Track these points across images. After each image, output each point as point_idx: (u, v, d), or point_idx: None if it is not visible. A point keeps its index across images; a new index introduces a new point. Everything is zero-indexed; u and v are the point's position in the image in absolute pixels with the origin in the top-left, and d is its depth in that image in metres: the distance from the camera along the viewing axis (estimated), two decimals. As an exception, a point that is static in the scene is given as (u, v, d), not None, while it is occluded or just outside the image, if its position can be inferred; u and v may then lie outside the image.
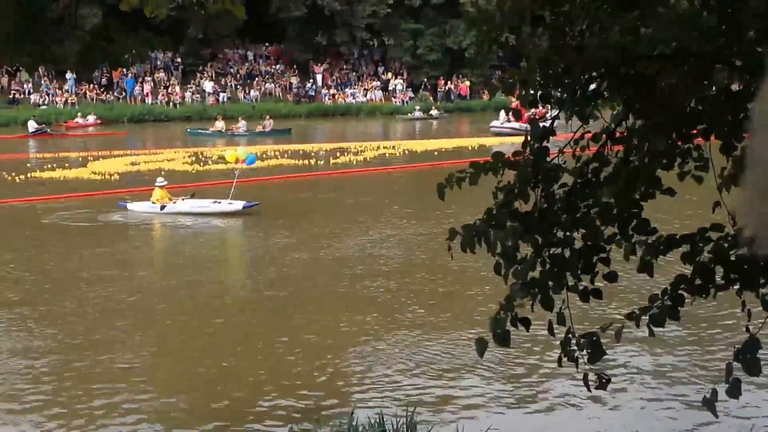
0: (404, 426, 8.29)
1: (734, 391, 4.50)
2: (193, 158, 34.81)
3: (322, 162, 33.52)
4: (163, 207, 22.66)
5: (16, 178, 29.31)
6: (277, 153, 35.28)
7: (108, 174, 30.40)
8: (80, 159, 34.37)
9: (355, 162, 33.81)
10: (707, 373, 11.04)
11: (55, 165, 32.45)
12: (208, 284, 16.02)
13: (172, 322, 13.88)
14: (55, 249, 19.23)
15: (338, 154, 34.99)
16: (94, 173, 30.65)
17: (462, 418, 9.73)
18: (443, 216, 19.94)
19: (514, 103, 5.01)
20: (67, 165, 32.65)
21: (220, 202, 22.70)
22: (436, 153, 36.28)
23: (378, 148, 38.06)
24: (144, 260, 18.81)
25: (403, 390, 10.76)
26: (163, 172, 30.82)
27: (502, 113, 44.27)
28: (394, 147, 38.34)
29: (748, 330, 4.64)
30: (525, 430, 9.78)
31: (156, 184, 23.26)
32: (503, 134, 40.99)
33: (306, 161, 33.62)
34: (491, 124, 44.66)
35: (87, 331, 13.28)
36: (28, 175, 29.99)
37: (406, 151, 37.16)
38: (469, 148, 38.14)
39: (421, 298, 14.83)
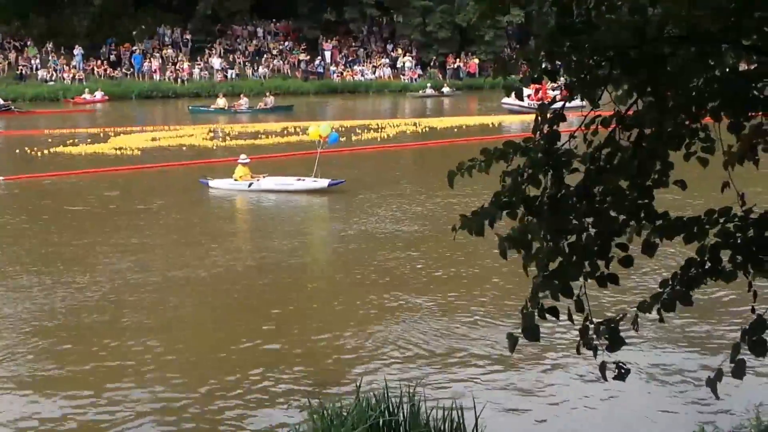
0: (407, 402, 8.30)
1: (739, 372, 4.49)
2: (212, 134, 34.85)
3: (344, 139, 33.56)
4: (250, 184, 22.47)
5: (39, 153, 29.46)
6: (299, 129, 35.24)
7: (130, 149, 30.51)
8: (101, 135, 34.36)
9: (378, 138, 33.81)
10: (714, 355, 11.02)
11: (77, 140, 32.56)
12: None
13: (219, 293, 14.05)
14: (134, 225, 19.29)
15: (358, 131, 34.85)
16: (115, 149, 30.75)
17: (463, 397, 9.74)
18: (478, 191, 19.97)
19: (532, 87, 4.94)
20: (89, 140, 32.72)
21: (304, 180, 22.49)
22: (455, 130, 36.20)
23: (399, 125, 38.06)
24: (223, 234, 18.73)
25: (408, 369, 10.78)
26: (184, 148, 31.02)
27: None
28: (415, 124, 38.31)
29: (754, 311, 4.62)
30: (524, 412, 9.79)
31: (239, 161, 23.08)
32: (516, 111, 40.60)
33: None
34: (503, 101, 44.33)
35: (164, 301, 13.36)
36: (50, 150, 30.11)
37: (427, 128, 37.12)
38: (490, 125, 38.04)
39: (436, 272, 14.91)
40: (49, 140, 32.51)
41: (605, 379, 4.89)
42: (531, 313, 4.69)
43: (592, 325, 4.84)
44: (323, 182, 22.17)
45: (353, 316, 12.92)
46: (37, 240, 17.80)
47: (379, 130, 35.97)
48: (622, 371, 4.91)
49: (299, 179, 22.58)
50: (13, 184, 24.36)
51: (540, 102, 4.87)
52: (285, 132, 34.94)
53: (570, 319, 4.77)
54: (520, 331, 4.72)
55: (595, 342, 4.85)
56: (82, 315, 13.10)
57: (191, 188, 23.37)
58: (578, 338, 4.92)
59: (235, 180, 22.68)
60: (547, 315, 4.73)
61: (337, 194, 22.04)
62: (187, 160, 28.62)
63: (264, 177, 22.69)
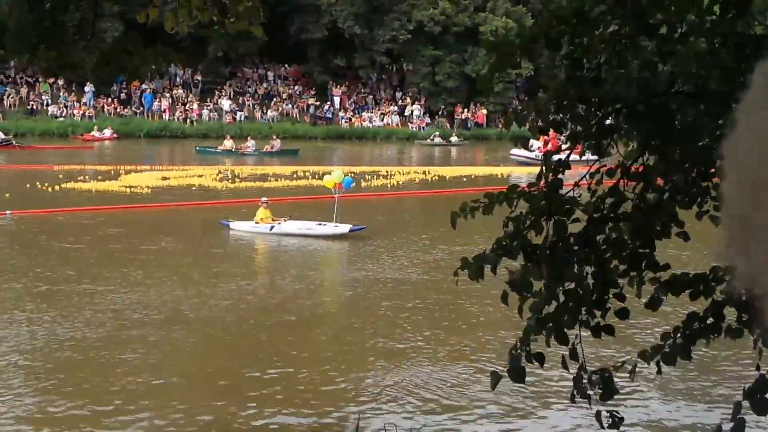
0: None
1: (738, 430, 4.47)
2: (221, 175, 35.01)
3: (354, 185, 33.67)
4: (272, 227, 22.45)
5: (49, 188, 29.55)
6: (308, 174, 35.42)
7: (140, 187, 30.60)
8: (112, 172, 34.51)
9: (389, 185, 33.90)
10: (716, 411, 10.93)
11: (88, 177, 32.69)
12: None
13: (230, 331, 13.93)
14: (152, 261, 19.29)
15: (368, 177, 34.96)
16: (125, 186, 30.85)
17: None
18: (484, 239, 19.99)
19: (541, 139, 4.98)
20: (100, 177, 32.84)
21: (325, 224, 22.49)
22: (464, 179, 36.35)
23: (408, 172, 38.26)
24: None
25: (408, 416, 10.71)
26: (193, 188, 31.13)
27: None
28: (424, 172, 38.59)
29: (758, 369, 4.60)
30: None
31: (260, 203, 23.12)
32: (524, 163, 40.55)
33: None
34: (511, 152, 44.35)
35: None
36: (62, 185, 30.23)
37: (436, 177, 37.32)
38: (498, 175, 38.15)
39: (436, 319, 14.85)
40: (60, 176, 32.62)
41: (602, 426, 4.90)
42: (519, 355, 4.68)
43: (586, 375, 4.84)
44: (344, 228, 22.19)
45: (354, 361, 12.87)
46: (42, 275, 17.77)
47: (389, 176, 36.10)
48: (616, 419, 4.91)
49: (320, 224, 22.58)
50: (21, 219, 24.36)
51: (546, 152, 4.89)
52: (294, 176, 35.10)
53: (564, 366, 4.75)
54: (506, 370, 4.72)
55: (589, 391, 4.84)
56: (82, 351, 13.05)
57: (207, 228, 23.44)
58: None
59: (257, 223, 22.69)
60: (534, 360, 4.73)
61: (355, 240, 22.05)
62: (197, 200, 28.74)
63: (285, 221, 22.69)
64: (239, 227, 22.82)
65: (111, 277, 17.49)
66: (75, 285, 16.92)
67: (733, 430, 4.48)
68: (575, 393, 4.87)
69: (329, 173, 24.14)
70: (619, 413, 4.95)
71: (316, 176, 35.23)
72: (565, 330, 4.72)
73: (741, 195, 0.89)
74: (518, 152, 43.03)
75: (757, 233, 0.88)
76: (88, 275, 17.66)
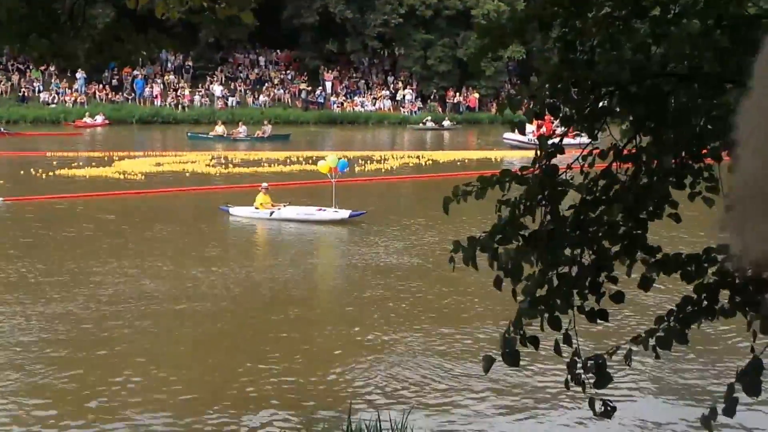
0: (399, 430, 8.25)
1: (730, 411, 4.50)
2: (215, 161, 34.95)
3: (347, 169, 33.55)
4: (271, 213, 22.44)
5: (43, 174, 29.52)
6: (302, 159, 35.44)
7: (133, 174, 30.59)
8: (105, 158, 34.42)
9: (383, 170, 33.87)
10: (709, 392, 10.98)
11: (81, 163, 32.62)
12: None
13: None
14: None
15: (361, 162, 34.90)
16: (119, 173, 30.82)
17: (456, 424, 9.70)
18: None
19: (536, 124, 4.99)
20: (94, 164, 32.78)
21: (325, 210, 22.49)
22: (458, 163, 36.28)
23: (402, 157, 38.23)
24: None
25: (400, 401, 10.73)
26: (187, 174, 31.11)
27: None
28: (418, 157, 38.55)
29: (753, 350, 4.61)
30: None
31: (261, 188, 23.12)
32: (517, 147, 40.43)
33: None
34: (504, 136, 44.23)
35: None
36: (56, 172, 30.18)
37: (430, 161, 37.29)
38: (493, 159, 38.08)
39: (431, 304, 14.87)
40: (54, 163, 32.52)
41: (595, 413, 4.90)
42: (513, 338, 4.67)
43: (580, 360, 4.84)
44: (344, 213, 22.20)
45: (349, 347, 12.88)
46: (37, 261, 17.72)
47: (382, 161, 36.06)
48: (608, 408, 4.90)
49: (320, 209, 22.60)
50: (15, 205, 24.30)
51: (540, 136, 4.88)
52: (288, 161, 35.08)
53: (557, 351, 4.75)
54: (499, 354, 4.70)
55: (583, 377, 4.84)
56: (76, 335, 13.06)
57: (206, 213, 23.41)
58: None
59: (256, 208, 22.69)
60: (528, 344, 4.72)
61: (354, 225, 22.04)
62: (190, 185, 28.77)
63: (285, 206, 22.68)
64: (239, 213, 22.81)
65: (107, 263, 17.50)
66: (70, 271, 16.91)
67: (725, 410, 4.50)
68: (569, 379, 4.86)
69: (323, 159, 24.13)
70: (611, 402, 4.94)
71: (310, 161, 35.26)
72: (559, 316, 4.71)
73: (754, 164, 0.89)
74: (511, 136, 42.84)
75: None
76: (84, 261, 17.65)
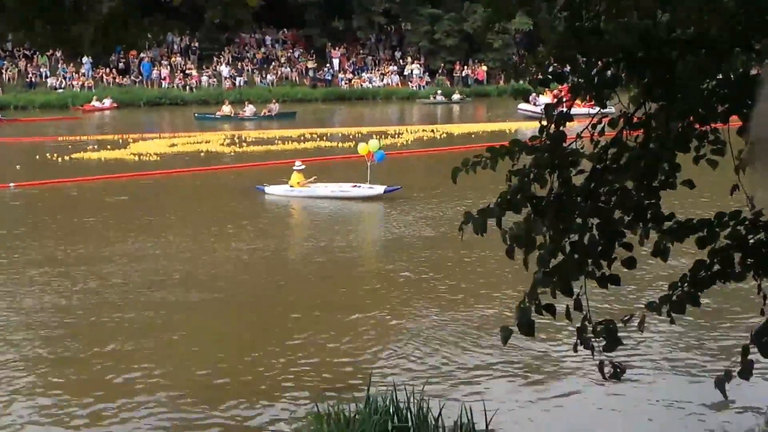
0: (415, 404, 8.29)
1: (746, 373, 4.51)
2: (229, 141, 35.01)
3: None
4: (307, 189, 22.55)
5: (58, 159, 29.59)
6: (316, 136, 35.41)
7: (149, 155, 30.70)
8: (120, 141, 34.43)
9: (398, 144, 33.76)
10: (722, 357, 10.99)
11: (96, 147, 32.70)
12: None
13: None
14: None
15: (375, 137, 34.81)
16: (133, 154, 30.93)
17: (472, 395, 9.75)
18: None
19: (547, 93, 4.98)
20: (108, 147, 32.80)
21: (360, 186, 22.56)
22: (472, 136, 36.18)
23: (417, 131, 38.16)
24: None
25: (418, 375, 10.78)
26: (202, 154, 31.18)
27: (532, 96, 43.25)
28: (432, 130, 38.49)
29: (763, 313, 4.62)
30: (534, 413, 9.78)
31: (294, 168, 23.19)
32: (532, 117, 40.05)
33: (347, 144, 33.52)
34: (519, 107, 43.94)
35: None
36: (71, 156, 30.22)
37: (444, 134, 37.21)
38: (507, 131, 37.85)
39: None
40: (69, 147, 32.58)
41: (604, 377, 4.92)
42: (528, 308, 4.70)
43: (591, 325, 4.86)
44: (379, 189, 22.28)
45: (367, 321, 12.92)
46: (58, 243, 17.79)
47: (396, 136, 36.00)
48: (617, 370, 4.93)
49: (355, 186, 22.69)
50: (30, 191, 24.35)
51: (547, 104, 4.88)
52: (302, 138, 35.06)
53: (568, 317, 4.77)
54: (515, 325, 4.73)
55: (592, 342, 4.86)
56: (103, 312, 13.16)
57: (241, 192, 23.54)
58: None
59: (291, 186, 22.82)
60: (544, 312, 4.74)
61: (388, 201, 22.09)
62: (203, 165, 29.00)
63: (314, 179, 22.85)
64: (274, 191, 22.96)
65: (161, 238, 18.08)
66: (109, 248, 17.10)
67: (741, 373, 4.51)
68: (578, 343, 4.89)
69: (364, 141, 24.24)
70: (621, 364, 4.96)
71: (324, 138, 35.25)
72: (571, 282, 4.73)
73: None
74: (525, 107, 42.62)
75: None
76: (121, 241, 17.90)
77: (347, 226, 19.90)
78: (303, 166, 23.25)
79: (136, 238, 18.07)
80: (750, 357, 4.49)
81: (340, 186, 22.86)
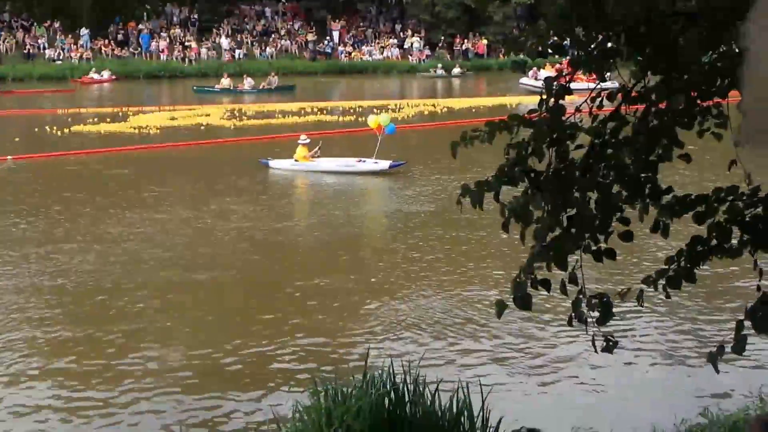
0: (411, 380, 8.29)
1: (739, 348, 4.50)
2: (229, 114, 34.87)
3: (363, 119, 33.30)
4: (312, 163, 22.53)
5: (58, 132, 29.51)
6: (316, 109, 35.48)
7: (149, 128, 30.66)
8: (120, 114, 34.31)
9: (399, 119, 33.62)
10: (717, 332, 11.00)
11: (96, 119, 32.57)
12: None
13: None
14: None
15: (376, 111, 34.71)
16: (133, 128, 30.86)
17: (469, 372, 9.76)
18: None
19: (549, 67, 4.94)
20: (108, 119, 32.69)
21: (365, 161, 22.52)
22: (473, 110, 36.07)
23: (418, 105, 38.05)
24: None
25: (416, 352, 10.79)
26: (202, 127, 31.12)
27: (533, 70, 43.10)
28: (433, 105, 38.40)
29: (759, 289, 4.60)
30: (529, 389, 9.79)
31: (299, 141, 23.13)
32: (534, 92, 39.71)
33: (348, 117, 33.43)
34: (521, 81, 43.67)
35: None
36: (71, 129, 30.16)
37: (445, 108, 37.15)
38: (508, 105, 37.67)
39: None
40: (69, 119, 32.47)
41: (596, 351, 4.92)
42: (524, 282, 4.68)
43: (585, 299, 4.84)
44: (384, 164, 22.27)
45: (367, 299, 12.93)
46: (58, 216, 17.90)
47: (398, 109, 35.88)
48: (610, 343, 4.93)
49: (360, 160, 22.63)
50: (29, 163, 24.30)
51: (546, 77, 4.83)
52: (302, 112, 34.97)
53: (563, 291, 4.75)
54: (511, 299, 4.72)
55: (586, 315, 4.85)
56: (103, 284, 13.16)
57: (245, 166, 23.48)
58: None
59: (296, 161, 22.72)
60: (539, 287, 4.72)
61: (391, 176, 22.11)
62: (204, 138, 28.97)
63: (319, 148, 22.81)
64: (279, 165, 22.87)
65: (163, 211, 18.32)
66: (109, 223, 17.08)
67: (734, 347, 4.51)
68: (573, 317, 4.87)
69: (375, 113, 24.19)
70: (614, 337, 4.96)
71: (324, 112, 35.13)
72: (567, 255, 4.70)
73: (761, 88, 0.88)
74: (527, 81, 42.39)
75: None
76: (122, 216, 17.92)
77: (349, 202, 19.90)
78: (308, 140, 23.17)
79: (142, 213, 18.06)
80: (744, 332, 4.47)
81: (346, 161, 22.79)
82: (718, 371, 4.77)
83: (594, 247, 4.77)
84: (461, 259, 14.90)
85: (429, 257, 15.06)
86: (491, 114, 32.14)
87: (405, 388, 8.15)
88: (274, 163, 22.93)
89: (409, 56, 60.50)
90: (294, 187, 21.97)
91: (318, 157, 22.72)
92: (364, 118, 32.11)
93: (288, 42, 59.69)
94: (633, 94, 4.81)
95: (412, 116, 34.83)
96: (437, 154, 23.72)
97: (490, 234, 15.47)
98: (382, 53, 60.62)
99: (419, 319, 11.96)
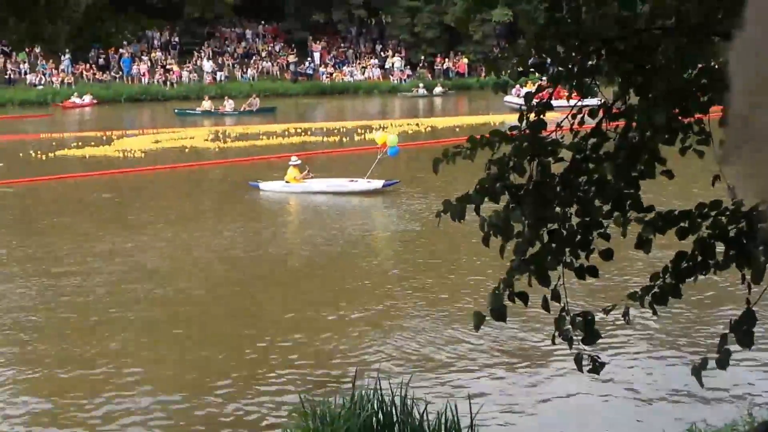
0: (400, 399, 8.26)
1: (723, 362, 4.48)
2: (213, 136, 34.80)
3: (347, 139, 33.27)
4: (303, 185, 22.36)
5: (42, 156, 29.33)
6: (300, 130, 35.52)
7: (134, 151, 30.53)
8: (103, 138, 34.14)
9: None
10: (702, 346, 11.00)
11: (80, 143, 32.42)
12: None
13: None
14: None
15: (360, 131, 34.68)
16: (118, 151, 30.73)
17: (458, 388, 9.73)
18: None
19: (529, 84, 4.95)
20: (92, 143, 32.52)
21: (356, 181, 22.33)
22: (457, 129, 36.10)
23: (402, 125, 38.12)
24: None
25: (403, 370, 10.75)
26: (186, 150, 31.04)
27: (516, 87, 43.17)
28: (417, 124, 38.52)
29: (748, 302, 4.59)
30: (519, 413, 9.76)
31: (290, 163, 22.95)
32: (518, 110, 39.51)
33: (332, 138, 33.39)
34: (505, 99, 43.71)
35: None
36: (55, 153, 30.01)
37: (429, 128, 37.23)
38: (492, 123, 37.63)
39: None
40: (53, 143, 32.27)
41: (581, 370, 4.87)
42: (501, 294, 4.66)
43: (568, 317, 4.81)
44: (377, 183, 22.07)
45: (354, 316, 12.90)
46: (44, 240, 17.73)
47: (382, 130, 35.82)
48: (597, 364, 4.88)
49: (352, 180, 22.43)
50: (9, 190, 24.13)
51: (527, 93, 4.84)
52: (286, 133, 34.91)
53: (545, 308, 4.72)
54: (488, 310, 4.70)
55: (570, 334, 4.81)
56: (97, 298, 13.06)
57: (234, 188, 23.45)
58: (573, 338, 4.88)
59: (287, 182, 22.54)
60: (517, 300, 4.70)
61: (382, 196, 22.11)
62: (188, 161, 28.86)
63: (309, 172, 22.67)
64: (270, 187, 22.66)
65: (156, 233, 18.24)
66: (98, 246, 16.97)
67: (718, 362, 4.49)
68: (556, 335, 4.84)
69: (382, 130, 24.08)
70: (600, 357, 4.92)
71: (308, 133, 35.08)
72: (548, 272, 4.69)
73: (744, 97, 0.86)
74: (511, 99, 42.43)
75: (755, 135, 0.85)
76: (115, 234, 17.83)
77: (335, 222, 19.83)
78: (299, 161, 23.08)
79: (138, 236, 17.96)
80: (727, 347, 4.46)
81: (338, 181, 22.63)
82: (702, 385, 4.76)
83: (576, 264, 4.76)
84: (451, 277, 14.89)
85: (417, 276, 15.04)
86: (476, 132, 31.99)
87: (393, 409, 8.12)
88: (264, 185, 22.75)
89: (391, 76, 60.62)
90: (284, 209, 21.89)
91: (310, 178, 22.62)
92: (347, 139, 32.22)
93: (269, 64, 59.73)
94: (614, 110, 4.82)
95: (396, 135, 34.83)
96: (421, 173, 23.77)
97: (478, 252, 15.44)
98: (363, 74, 60.73)
99: (408, 338, 11.92)
